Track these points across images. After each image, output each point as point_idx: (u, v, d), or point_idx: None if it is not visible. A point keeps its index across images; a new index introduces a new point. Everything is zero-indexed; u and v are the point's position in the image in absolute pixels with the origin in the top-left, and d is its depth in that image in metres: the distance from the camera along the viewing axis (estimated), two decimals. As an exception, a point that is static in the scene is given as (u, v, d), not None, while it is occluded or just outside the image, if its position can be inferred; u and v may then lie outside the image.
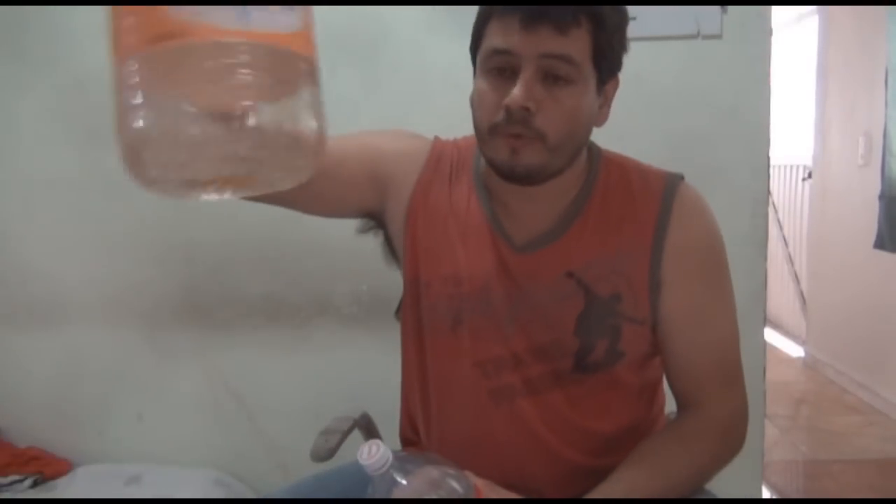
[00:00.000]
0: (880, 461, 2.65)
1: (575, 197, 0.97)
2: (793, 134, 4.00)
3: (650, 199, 0.96)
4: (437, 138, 1.08)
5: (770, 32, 1.76)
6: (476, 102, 0.92)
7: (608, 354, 0.95)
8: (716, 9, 1.73)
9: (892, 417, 3.01)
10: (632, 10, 1.71)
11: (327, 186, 0.98)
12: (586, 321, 0.94)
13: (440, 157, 1.04)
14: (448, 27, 1.69)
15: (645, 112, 1.78)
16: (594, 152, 1.01)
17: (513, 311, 0.96)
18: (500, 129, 0.88)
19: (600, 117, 0.95)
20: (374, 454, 0.74)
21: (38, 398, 1.97)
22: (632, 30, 1.73)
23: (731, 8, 1.73)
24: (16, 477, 1.80)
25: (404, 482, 0.75)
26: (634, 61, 1.75)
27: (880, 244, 2.75)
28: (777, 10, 1.88)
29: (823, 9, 3.64)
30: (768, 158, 1.79)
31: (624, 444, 0.97)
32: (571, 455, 0.96)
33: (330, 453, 1.16)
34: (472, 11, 0.93)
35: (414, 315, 1.02)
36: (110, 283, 1.93)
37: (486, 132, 0.90)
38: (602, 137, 1.73)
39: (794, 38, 4.05)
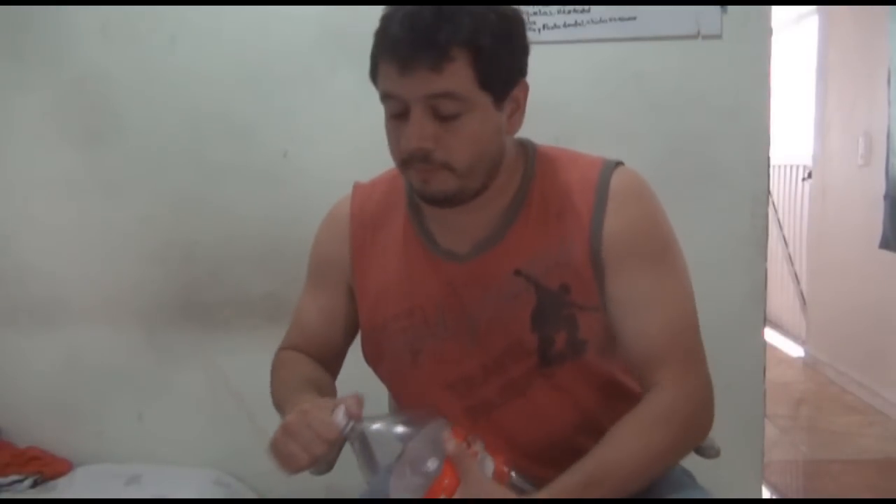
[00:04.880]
0: (880, 461, 2.65)
1: (512, 198, 0.99)
2: (793, 134, 4.00)
3: (586, 188, 0.97)
4: (356, 187, 1.11)
5: (770, 32, 1.76)
6: (387, 138, 0.95)
7: (570, 345, 0.96)
8: (716, 9, 1.73)
9: (892, 417, 3.01)
10: (632, 10, 1.74)
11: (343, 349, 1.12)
12: (541, 315, 0.96)
13: (362, 209, 1.07)
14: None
15: (645, 112, 1.78)
16: (529, 150, 1.02)
17: (470, 325, 0.98)
18: (408, 162, 0.92)
19: (511, 126, 0.95)
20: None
21: (38, 398, 1.97)
22: (632, 30, 1.75)
23: (731, 8, 1.73)
24: (16, 477, 1.80)
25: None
26: (634, 61, 1.78)
27: (886, 244, 2.75)
28: (777, 10, 1.88)
29: (823, 9, 3.64)
30: (768, 158, 1.79)
31: (607, 420, 0.96)
32: (548, 437, 0.97)
33: (329, 465, 1.14)
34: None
35: (376, 356, 1.06)
36: (110, 283, 1.93)
37: (399, 164, 0.95)
38: (603, 137, 1.75)
39: (794, 38, 4.05)
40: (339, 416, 0.84)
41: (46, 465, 1.87)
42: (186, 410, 1.95)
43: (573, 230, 0.96)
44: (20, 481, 1.80)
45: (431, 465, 0.82)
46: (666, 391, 0.93)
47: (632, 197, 0.98)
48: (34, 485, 1.81)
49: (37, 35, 1.87)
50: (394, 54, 0.87)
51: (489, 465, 0.86)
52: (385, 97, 0.91)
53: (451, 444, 0.83)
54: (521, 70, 0.93)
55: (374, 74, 0.92)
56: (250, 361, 1.95)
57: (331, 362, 1.11)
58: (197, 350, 1.93)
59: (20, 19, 1.86)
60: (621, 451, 0.90)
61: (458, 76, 0.86)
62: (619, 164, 1.00)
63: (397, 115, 0.90)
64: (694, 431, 0.96)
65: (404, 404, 1.09)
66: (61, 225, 1.93)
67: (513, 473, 0.89)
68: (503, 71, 0.90)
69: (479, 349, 0.98)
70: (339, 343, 1.10)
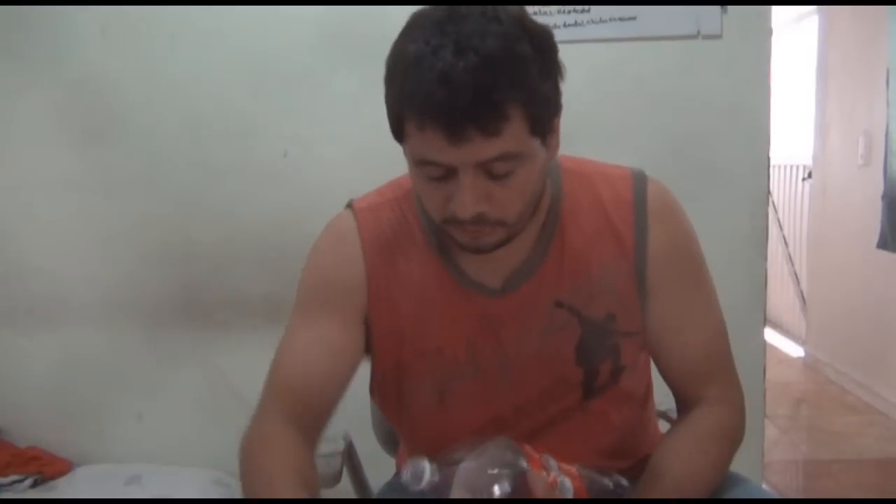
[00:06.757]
0: (880, 461, 2.65)
1: (544, 222, 0.91)
2: (793, 134, 4.00)
3: (622, 208, 0.91)
4: (357, 209, 0.96)
5: (770, 32, 1.76)
6: (420, 194, 0.85)
7: (612, 373, 0.93)
8: (716, 9, 1.73)
9: (892, 417, 3.00)
10: (632, 10, 1.74)
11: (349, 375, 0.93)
12: (585, 348, 0.91)
13: (376, 231, 0.94)
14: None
15: (645, 112, 1.78)
16: (554, 168, 0.92)
17: (505, 364, 0.91)
18: (454, 220, 0.81)
19: (552, 153, 0.85)
20: (423, 476, 0.74)
21: (38, 398, 1.97)
22: (632, 30, 1.75)
23: (731, 8, 1.73)
24: (16, 477, 1.80)
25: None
26: (634, 61, 1.78)
27: (883, 244, 2.75)
28: (777, 10, 1.88)
29: (823, 9, 3.64)
30: (768, 158, 1.79)
31: (627, 445, 0.97)
32: (581, 463, 0.93)
33: (337, 477, 1.13)
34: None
35: (391, 394, 0.97)
36: (110, 283, 1.93)
37: (439, 221, 0.84)
38: (602, 137, 1.75)
39: (794, 38, 4.05)
40: (423, 472, 0.74)
41: (46, 465, 1.87)
42: (186, 410, 1.95)
43: (615, 254, 0.90)
44: (20, 481, 1.80)
45: (499, 489, 0.73)
46: (715, 406, 0.93)
47: (670, 213, 0.93)
48: (34, 485, 1.81)
49: (37, 35, 1.87)
50: (437, 122, 0.73)
51: (568, 489, 0.81)
52: (422, 163, 0.79)
53: (538, 482, 0.75)
54: (560, 99, 0.82)
55: (400, 133, 0.79)
56: (250, 361, 1.95)
57: (323, 420, 0.92)
58: (197, 350, 1.93)
59: (20, 19, 1.86)
60: (690, 467, 0.89)
61: (514, 134, 0.75)
62: (645, 175, 0.94)
63: (439, 177, 0.79)
64: (739, 442, 0.95)
65: (426, 446, 0.93)
66: (61, 225, 1.93)
67: (582, 472, 0.84)
68: (551, 108, 0.80)
69: (515, 389, 0.92)
70: (341, 388, 0.92)
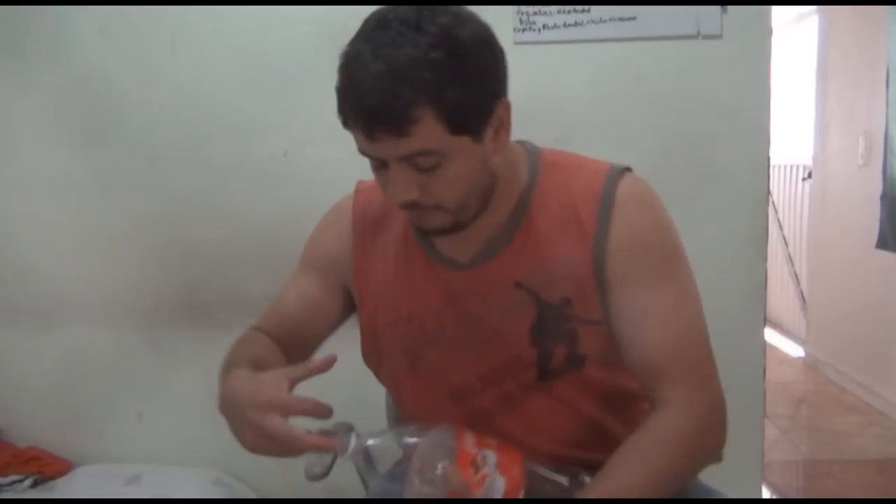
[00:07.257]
0: (880, 461, 2.65)
1: (514, 207, 0.95)
2: (793, 134, 4.00)
3: (590, 199, 0.93)
4: (358, 190, 1.08)
5: (770, 32, 1.76)
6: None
7: (569, 359, 0.93)
8: (716, 9, 1.73)
9: (892, 417, 3.01)
10: (632, 10, 1.74)
11: (321, 333, 1.08)
12: (540, 330, 0.93)
13: (364, 211, 1.05)
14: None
15: (645, 112, 1.78)
16: (533, 157, 0.98)
17: (468, 335, 0.96)
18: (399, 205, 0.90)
19: (498, 146, 0.90)
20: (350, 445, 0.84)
21: (38, 398, 1.97)
22: (632, 30, 1.75)
23: (731, 8, 1.73)
24: (16, 477, 1.81)
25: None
26: (634, 61, 1.78)
27: (882, 244, 2.75)
28: (777, 10, 1.88)
29: (823, 9, 3.64)
30: (768, 158, 1.79)
31: (604, 438, 0.96)
32: (550, 449, 0.95)
33: (325, 471, 1.14)
34: (476, 9, 0.91)
35: (376, 359, 1.05)
36: (110, 283, 1.93)
37: (388, 204, 0.94)
38: (603, 137, 1.75)
39: (794, 38, 4.06)
40: (349, 441, 0.83)
41: (46, 465, 1.87)
42: (186, 410, 1.95)
43: (576, 242, 0.93)
44: (20, 481, 1.80)
45: (441, 470, 0.80)
46: (672, 410, 0.90)
47: (638, 206, 0.93)
48: (34, 485, 1.81)
49: (37, 35, 1.87)
50: (355, 120, 0.84)
51: (498, 489, 0.82)
52: (362, 153, 0.88)
53: (455, 479, 0.80)
54: (496, 94, 0.87)
55: (346, 126, 0.88)
56: (250, 361, 1.96)
57: (299, 352, 1.05)
58: (197, 350, 1.93)
59: (20, 19, 1.86)
60: (627, 476, 0.86)
61: (427, 134, 0.81)
62: (626, 170, 0.96)
63: (377, 167, 0.88)
64: (701, 453, 0.92)
65: (405, 409, 1.07)
66: (61, 225, 1.93)
67: (535, 469, 0.86)
68: (474, 111, 0.85)
69: (477, 360, 0.96)
70: (313, 335, 1.07)
